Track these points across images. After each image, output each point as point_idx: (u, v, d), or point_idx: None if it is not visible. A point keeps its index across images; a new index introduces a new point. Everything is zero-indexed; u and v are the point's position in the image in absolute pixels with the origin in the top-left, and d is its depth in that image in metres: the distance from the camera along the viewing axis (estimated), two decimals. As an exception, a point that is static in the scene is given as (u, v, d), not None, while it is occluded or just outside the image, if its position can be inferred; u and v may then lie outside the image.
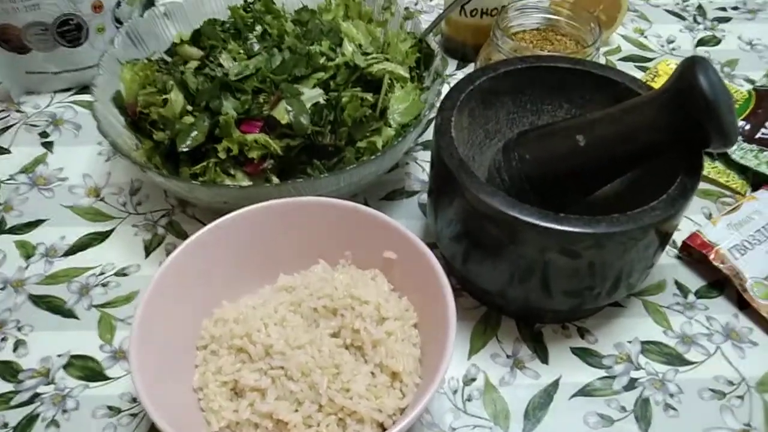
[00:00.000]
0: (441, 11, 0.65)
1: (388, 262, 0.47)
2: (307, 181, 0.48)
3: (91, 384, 0.47)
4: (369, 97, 0.54)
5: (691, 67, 0.41)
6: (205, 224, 0.46)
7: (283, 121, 0.51)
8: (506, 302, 0.50)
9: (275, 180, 0.50)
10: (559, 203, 0.46)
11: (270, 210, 0.47)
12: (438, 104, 0.49)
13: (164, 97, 0.52)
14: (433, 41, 0.59)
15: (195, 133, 0.50)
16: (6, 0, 0.61)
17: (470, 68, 0.73)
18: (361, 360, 0.43)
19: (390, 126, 0.53)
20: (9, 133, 0.66)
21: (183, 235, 0.56)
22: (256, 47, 0.57)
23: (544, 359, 0.48)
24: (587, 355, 0.49)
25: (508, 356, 0.48)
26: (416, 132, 0.53)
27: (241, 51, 0.57)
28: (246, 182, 0.50)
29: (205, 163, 0.50)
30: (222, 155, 0.50)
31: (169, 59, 0.60)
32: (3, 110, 0.69)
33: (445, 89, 0.51)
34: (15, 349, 0.49)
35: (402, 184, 0.61)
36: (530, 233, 0.42)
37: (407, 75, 0.56)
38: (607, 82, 0.52)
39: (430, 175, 0.51)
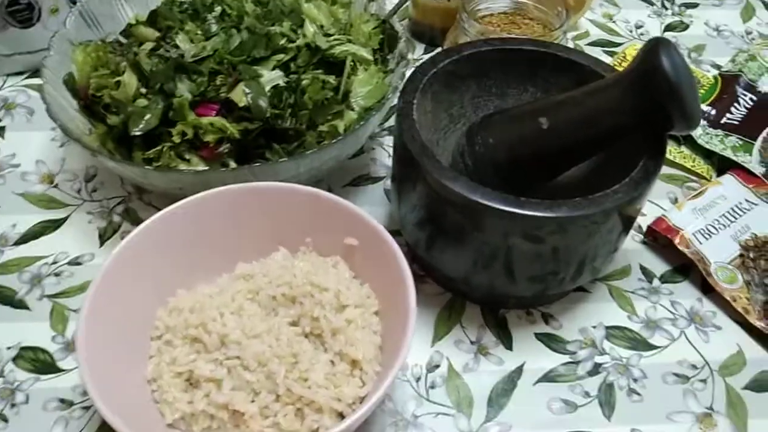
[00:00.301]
0: None
1: (349, 249, 0.46)
2: (265, 166, 0.46)
3: (42, 377, 0.45)
4: (331, 79, 0.53)
5: (654, 48, 0.40)
6: (159, 209, 0.44)
7: (241, 104, 0.49)
8: (470, 288, 0.49)
9: (232, 164, 0.49)
10: (523, 187, 0.45)
11: (227, 195, 0.46)
12: (401, 85, 0.48)
13: (117, 79, 0.50)
14: (398, 23, 0.58)
15: (148, 116, 0.48)
16: (-49, -23, 0.59)
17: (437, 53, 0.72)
18: (320, 348, 0.42)
19: (353, 110, 0.52)
20: (-42, 117, 0.63)
21: (139, 223, 0.54)
22: (215, 28, 0.55)
23: (509, 345, 0.48)
24: (551, 341, 0.48)
25: (472, 342, 0.48)
26: (379, 116, 0.52)
27: (199, 32, 0.55)
28: (201, 167, 0.48)
29: (159, 148, 0.49)
30: (176, 139, 0.48)
31: (124, 41, 0.58)
32: (-48, 94, 0.66)
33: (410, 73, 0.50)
34: (-39, 342, 0.47)
35: (367, 170, 0.60)
36: (492, 218, 0.41)
37: (371, 57, 0.55)
38: (572, 64, 0.51)
39: (392, 160, 0.50)
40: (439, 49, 0.72)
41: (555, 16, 0.62)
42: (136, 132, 0.48)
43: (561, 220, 0.41)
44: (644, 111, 0.42)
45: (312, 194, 0.46)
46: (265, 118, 0.49)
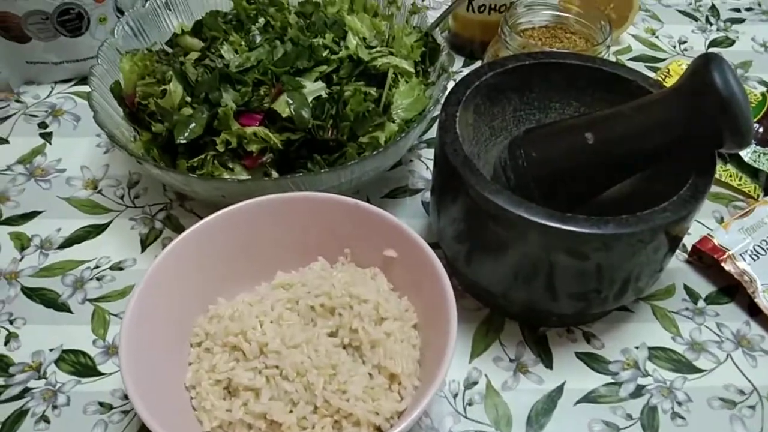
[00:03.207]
0: (448, 6, 0.63)
1: (388, 261, 0.46)
2: (306, 176, 0.47)
3: (83, 380, 0.46)
4: (372, 91, 0.53)
5: (706, 64, 0.39)
6: (202, 218, 0.45)
7: (284, 115, 0.49)
8: (510, 304, 0.49)
9: (274, 174, 0.49)
10: (565, 203, 0.45)
11: (268, 205, 0.46)
12: (443, 98, 0.48)
13: (163, 87, 0.51)
14: (440, 36, 0.57)
15: (193, 125, 0.49)
16: (6, -13, 0.60)
17: (478, 65, 0.71)
18: (358, 361, 0.42)
19: (393, 122, 0.52)
20: (8, 123, 0.65)
21: (180, 230, 0.54)
22: (258, 39, 0.55)
23: (548, 364, 0.47)
24: (593, 361, 0.47)
25: (511, 360, 0.47)
26: (420, 128, 0.51)
27: (243, 43, 0.56)
28: (244, 176, 0.49)
29: (202, 156, 0.49)
30: (220, 148, 0.48)
31: (169, 50, 0.59)
32: (2, 100, 0.68)
33: (451, 85, 0.50)
34: (6, 342, 0.48)
35: (405, 181, 0.59)
36: (536, 233, 0.41)
37: (412, 70, 0.55)
38: (618, 79, 0.50)
39: (433, 172, 0.49)
40: (479, 63, 0.72)
41: (598, 30, 0.61)
42: (181, 140, 0.48)
43: (606, 237, 0.40)
44: (694, 128, 0.41)
45: (352, 205, 0.46)
46: (307, 129, 0.50)
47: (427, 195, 0.58)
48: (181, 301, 0.44)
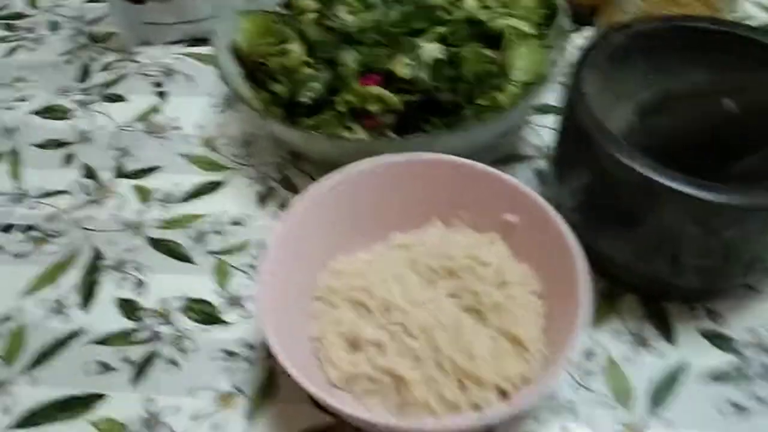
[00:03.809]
0: None
1: (507, 227, 0.45)
2: (426, 138, 0.46)
3: (208, 327, 0.48)
4: (490, 53, 0.52)
5: None
6: (315, 179, 0.45)
7: (403, 76, 0.49)
8: (631, 276, 0.47)
9: (393, 135, 0.49)
10: (695, 174, 0.43)
11: (387, 166, 0.46)
12: (562, 61, 0.46)
13: (283, 47, 0.52)
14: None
15: (315, 84, 0.49)
16: (127, -52, 0.62)
17: (587, 31, 0.69)
18: (480, 324, 0.42)
19: (512, 83, 0.51)
20: (124, 82, 0.67)
21: (294, 189, 0.56)
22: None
23: (670, 339, 0.45)
24: (717, 338, 0.45)
25: (631, 333, 0.46)
26: (542, 89, 0.50)
27: (357, 3, 0.55)
28: (363, 136, 0.49)
29: (322, 116, 0.50)
30: (341, 108, 0.49)
31: (284, 12, 0.60)
32: (119, 60, 0.70)
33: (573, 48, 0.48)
34: (135, 288, 0.50)
35: (515, 148, 0.58)
36: (671, 202, 0.39)
37: (531, 31, 0.53)
38: (757, 45, 0.47)
39: (556, 138, 0.48)
40: (588, 29, 0.69)
41: (723, -6, 0.58)
42: (304, 99, 0.49)
43: (742, 209, 0.38)
44: None
45: (469, 166, 0.45)
46: (426, 90, 0.49)
47: (539, 163, 0.57)
48: (305, 257, 0.44)
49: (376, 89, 0.48)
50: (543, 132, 0.59)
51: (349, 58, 0.50)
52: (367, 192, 0.47)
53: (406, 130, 0.50)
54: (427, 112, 0.50)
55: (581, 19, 0.71)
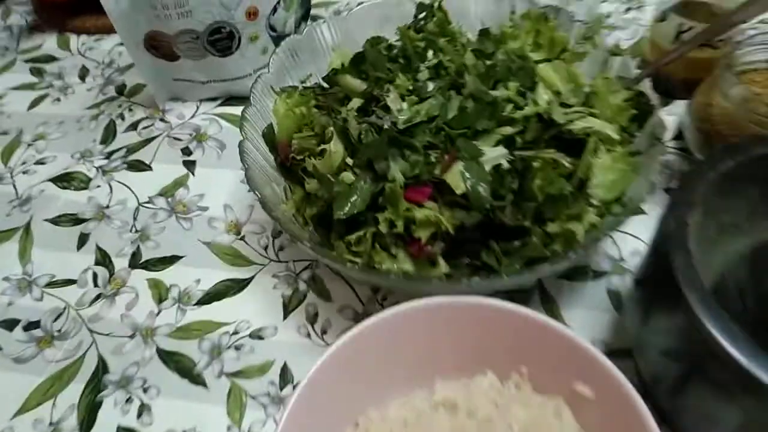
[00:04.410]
0: (642, 26, 0.52)
1: (577, 396, 0.37)
2: (486, 281, 0.39)
3: (216, 475, 0.42)
4: (566, 162, 0.43)
5: None
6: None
7: (459, 191, 0.41)
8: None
9: (442, 264, 0.41)
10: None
11: (437, 309, 0.38)
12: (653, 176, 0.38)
13: (322, 147, 0.44)
14: (650, 91, 0.46)
15: (355, 198, 0.42)
16: (159, 7, 0.56)
17: (675, 106, 0.59)
18: None
19: (591, 204, 0.42)
20: (151, 146, 0.62)
21: (326, 296, 0.49)
22: (430, 87, 0.47)
23: None
24: None
25: None
26: (626, 216, 0.41)
27: (411, 87, 0.48)
28: (408, 265, 0.41)
29: (362, 233, 0.42)
30: (383, 228, 0.41)
31: (326, 86, 0.53)
32: (147, 117, 0.65)
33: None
34: (139, 415, 0.44)
35: (587, 260, 0.50)
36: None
37: (616, 137, 0.44)
38: None
39: (642, 268, 0.40)
40: (677, 104, 0.59)
41: None
42: (341, 216, 0.41)
43: None
44: None
45: (539, 323, 0.37)
46: (484, 209, 0.41)
47: (614, 280, 0.48)
48: (331, 411, 0.38)
49: (426, 212, 0.40)
50: (623, 241, 0.50)
51: (396, 168, 0.42)
52: (409, 335, 0.39)
53: (456, 255, 0.42)
54: (483, 234, 0.42)
55: (672, 92, 0.62)
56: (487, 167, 0.43)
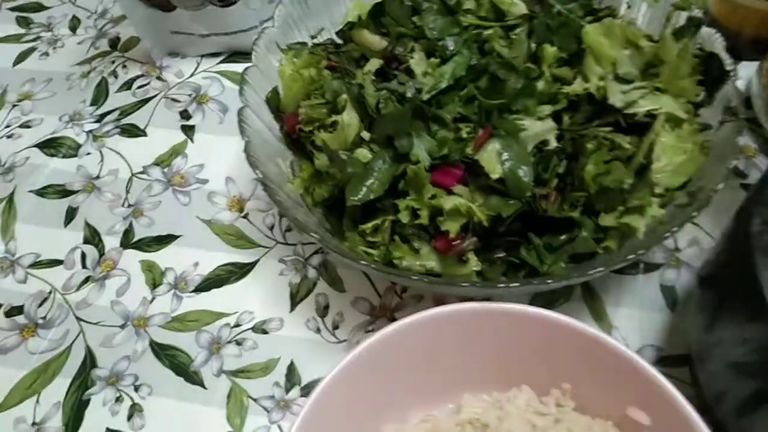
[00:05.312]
0: None
1: (629, 420, 0.32)
2: (525, 283, 0.33)
3: (213, 488, 0.37)
4: (625, 142, 0.36)
5: None
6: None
7: (494, 175, 0.35)
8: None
9: (474, 261, 0.35)
10: None
11: (470, 316, 0.33)
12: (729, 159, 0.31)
13: (333, 119, 0.38)
14: (727, 58, 0.39)
15: (371, 181, 0.35)
16: (150, -51, 0.49)
17: (743, 68, 0.51)
18: None
19: (653, 193, 0.36)
20: (147, 108, 0.55)
21: (338, 285, 0.43)
22: (451, 45, 0.40)
23: None
24: None
25: None
26: (696, 208, 0.35)
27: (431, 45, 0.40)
28: (433, 262, 0.35)
29: (378, 222, 0.36)
30: (404, 217, 0.35)
31: (340, 42, 0.46)
32: (143, 75, 0.58)
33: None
34: (129, 417, 0.40)
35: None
36: None
37: (684, 115, 0.37)
38: None
39: (713, 258, 0.34)
40: (744, 65, 0.51)
41: None
42: (354, 202, 0.35)
43: None
44: None
45: (590, 337, 0.31)
46: (525, 198, 0.35)
47: (668, 274, 0.42)
48: (345, 424, 0.33)
49: (455, 200, 0.34)
50: (681, 232, 0.44)
51: (421, 146, 0.35)
52: (434, 344, 0.34)
53: (490, 250, 0.36)
54: (521, 224, 0.36)
55: (736, 52, 0.54)
56: (529, 146, 0.36)
